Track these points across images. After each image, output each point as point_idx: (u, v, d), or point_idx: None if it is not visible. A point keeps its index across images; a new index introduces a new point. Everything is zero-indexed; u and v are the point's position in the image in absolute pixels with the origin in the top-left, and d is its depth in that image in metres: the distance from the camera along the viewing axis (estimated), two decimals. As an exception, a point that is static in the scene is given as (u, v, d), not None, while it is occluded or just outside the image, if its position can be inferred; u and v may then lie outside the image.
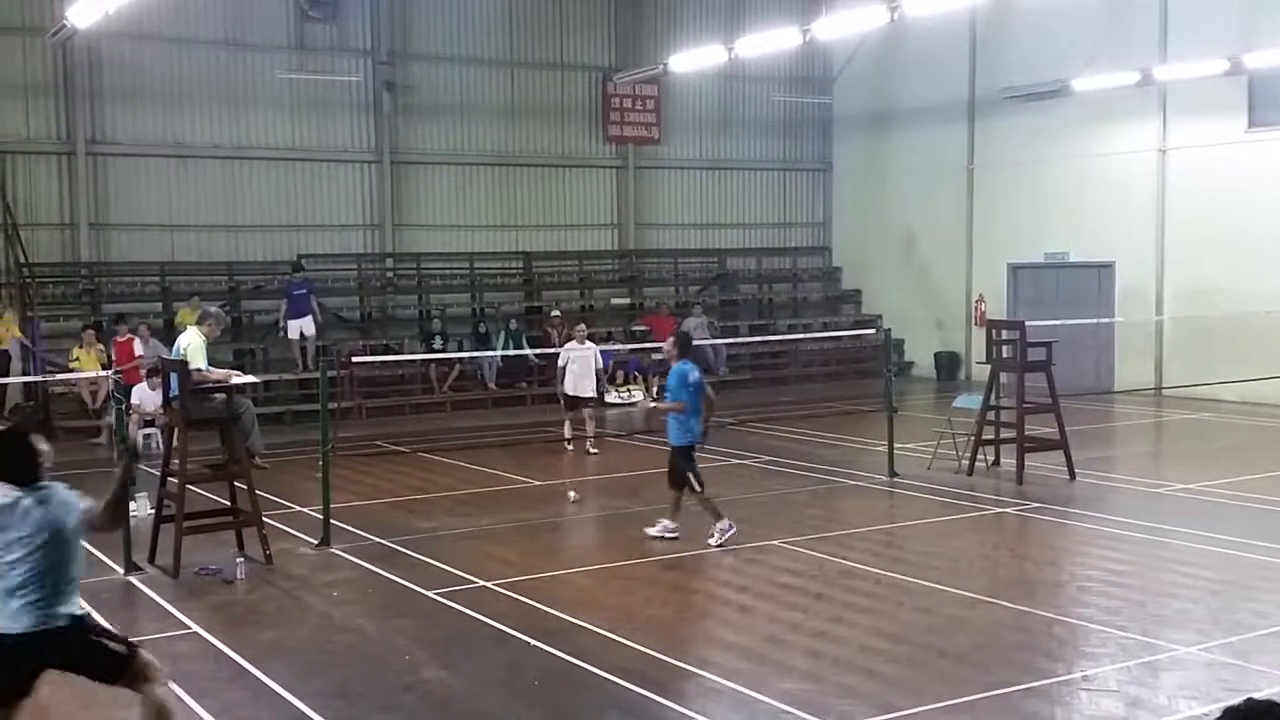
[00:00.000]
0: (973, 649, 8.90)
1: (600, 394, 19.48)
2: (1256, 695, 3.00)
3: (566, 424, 18.12)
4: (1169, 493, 14.67)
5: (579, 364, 17.83)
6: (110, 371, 16.34)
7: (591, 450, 17.89)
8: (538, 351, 22.87)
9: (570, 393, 17.90)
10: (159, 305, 23.00)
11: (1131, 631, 9.22)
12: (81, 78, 22.58)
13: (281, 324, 22.79)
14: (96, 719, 7.77)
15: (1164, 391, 23.08)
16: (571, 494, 14.55)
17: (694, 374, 12.15)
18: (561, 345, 19.52)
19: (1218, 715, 2.94)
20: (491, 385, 24.15)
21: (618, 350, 23.26)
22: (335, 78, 24.73)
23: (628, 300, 27.76)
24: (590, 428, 18.14)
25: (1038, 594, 10.40)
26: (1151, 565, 11.40)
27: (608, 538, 13.16)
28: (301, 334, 22.60)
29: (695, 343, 25.13)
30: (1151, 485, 15.13)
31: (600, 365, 18.58)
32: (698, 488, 12.09)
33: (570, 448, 17.95)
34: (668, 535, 12.22)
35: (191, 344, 11.94)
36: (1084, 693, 8.01)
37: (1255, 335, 21.26)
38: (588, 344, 18.47)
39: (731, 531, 11.98)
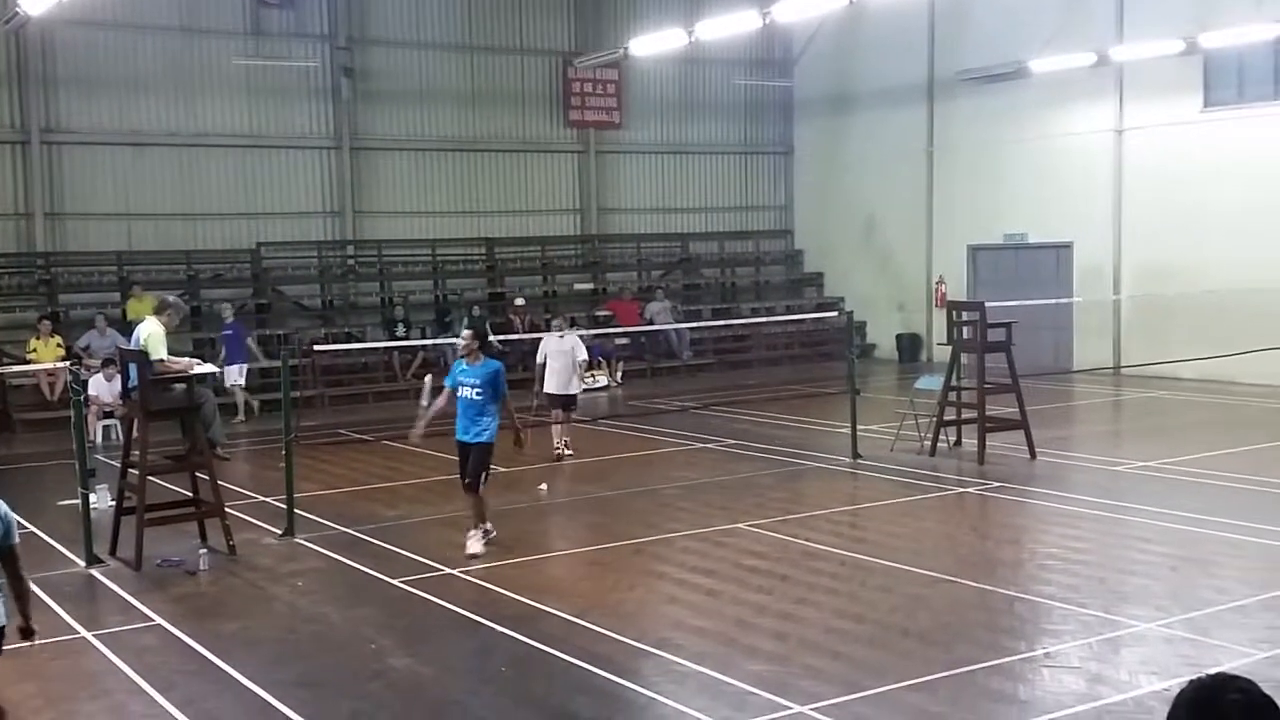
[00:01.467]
0: (936, 628, 8.97)
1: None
2: (1225, 669, 3.03)
3: (556, 429, 16.20)
4: (1128, 470, 14.83)
5: (559, 359, 16.12)
6: (69, 363, 16.09)
7: (565, 452, 16.20)
8: (501, 338, 22.70)
9: (554, 391, 16.12)
10: (116, 295, 22.74)
11: (1092, 608, 9.32)
12: (35, 65, 22.27)
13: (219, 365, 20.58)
14: (60, 714, 7.73)
15: (1122, 370, 23.31)
16: (542, 486, 14.47)
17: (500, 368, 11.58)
18: (525, 332, 19.02)
19: (1182, 688, 2.97)
20: (455, 372, 23.97)
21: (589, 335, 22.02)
22: (292, 63, 24.50)
23: (591, 285, 27.72)
24: (565, 430, 16.35)
25: (999, 572, 10.50)
26: (1111, 542, 11.53)
27: (574, 523, 13.17)
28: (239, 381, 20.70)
29: (657, 327, 25.58)
30: (1111, 463, 15.28)
31: (582, 358, 16.57)
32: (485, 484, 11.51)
33: (565, 453, 16.17)
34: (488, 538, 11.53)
35: (151, 334, 11.80)
36: (1046, 669, 8.09)
37: (1211, 313, 21.47)
38: (566, 335, 16.56)
39: (493, 534, 11.54)
